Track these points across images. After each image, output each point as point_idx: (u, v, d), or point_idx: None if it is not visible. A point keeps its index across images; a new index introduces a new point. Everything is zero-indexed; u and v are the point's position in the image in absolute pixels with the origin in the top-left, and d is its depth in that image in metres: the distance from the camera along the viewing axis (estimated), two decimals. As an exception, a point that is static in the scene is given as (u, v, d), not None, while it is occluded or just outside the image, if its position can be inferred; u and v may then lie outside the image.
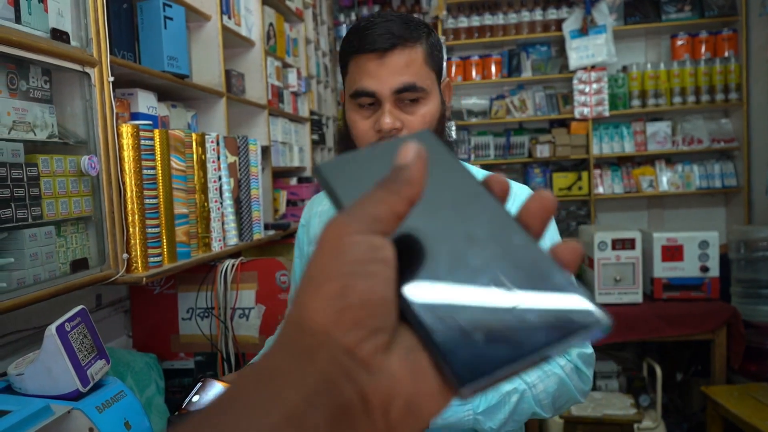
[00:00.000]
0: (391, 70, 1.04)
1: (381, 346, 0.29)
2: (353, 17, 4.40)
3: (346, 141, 1.14)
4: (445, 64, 1.17)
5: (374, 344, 0.29)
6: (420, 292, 0.31)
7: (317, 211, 1.30)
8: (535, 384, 0.99)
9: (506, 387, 0.97)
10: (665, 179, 3.93)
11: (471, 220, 0.35)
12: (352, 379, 0.28)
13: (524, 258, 0.33)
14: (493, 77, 4.15)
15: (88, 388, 0.95)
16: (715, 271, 2.95)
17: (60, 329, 0.94)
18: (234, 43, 2.25)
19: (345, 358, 0.28)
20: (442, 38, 4.04)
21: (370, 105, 1.07)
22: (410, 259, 0.33)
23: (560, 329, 0.30)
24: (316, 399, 0.27)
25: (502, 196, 0.37)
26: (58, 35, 1.18)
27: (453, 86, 4.16)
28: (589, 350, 1.07)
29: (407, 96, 1.05)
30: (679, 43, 3.92)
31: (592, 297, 0.31)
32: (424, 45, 1.07)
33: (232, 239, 1.80)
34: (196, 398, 1.08)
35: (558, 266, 0.33)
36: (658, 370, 2.88)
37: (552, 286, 0.32)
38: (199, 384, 1.11)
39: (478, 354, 0.29)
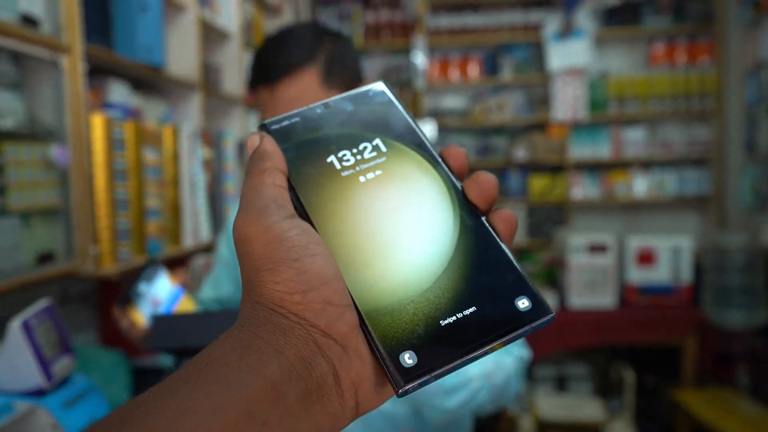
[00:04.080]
0: (284, 101, 1.00)
1: (352, 323, 0.29)
2: (334, 12, 4.37)
3: None
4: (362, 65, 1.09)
5: (346, 322, 0.29)
6: (361, 292, 0.31)
7: None
8: (490, 374, 0.95)
9: (471, 371, 0.93)
10: (641, 185, 3.97)
11: (415, 200, 0.34)
12: (327, 357, 0.28)
13: (469, 243, 0.32)
14: (473, 78, 4.15)
15: (53, 384, 0.92)
16: (687, 278, 2.98)
17: (25, 323, 0.91)
18: (211, 35, 2.22)
19: (320, 337, 0.29)
20: (421, 38, 4.04)
21: None
22: (348, 250, 0.32)
23: (505, 324, 0.29)
24: (293, 373, 0.27)
25: (459, 172, 0.36)
26: (28, 21, 1.14)
27: (433, 85, 4.16)
28: (527, 354, 1.04)
29: None
30: (658, 49, 3.96)
31: (536, 288, 0.31)
32: (320, 64, 1.00)
33: (205, 234, 1.77)
34: (144, 288, 0.98)
35: (504, 251, 0.32)
36: (629, 375, 2.91)
37: (497, 276, 0.31)
38: (147, 270, 1.01)
39: (418, 355, 0.29)
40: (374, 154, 0.35)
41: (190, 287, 1.72)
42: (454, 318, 0.30)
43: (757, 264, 3.20)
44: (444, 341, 0.29)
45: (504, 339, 0.29)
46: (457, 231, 0.33)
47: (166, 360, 1.15)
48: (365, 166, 0.35)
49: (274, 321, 0.29)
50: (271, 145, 0.35)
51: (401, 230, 0.32)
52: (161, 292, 1.00)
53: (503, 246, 0.32)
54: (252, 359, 0.27)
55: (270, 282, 0.29)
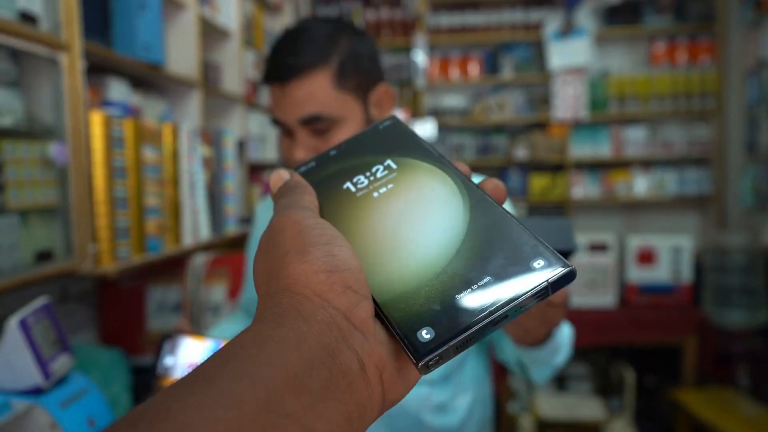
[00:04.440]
0: (293, 101, 0.98)
1: (370, 312, 0.30)
2: (335, 10, 4.36)
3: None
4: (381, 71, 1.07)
5: (365, 310, 0.30)
6: (378, 286, 0.32)
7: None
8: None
9: (564, 332, 0.92)
10: (641, 184, 3.97)
11: (424, 198, 0.37)
12: (350, 343, 0.29)
13: (479, 224, 0.34)
14: (473, 77, 4.14)
15: (51, 383, 0.91)
16: (688, 277, 2.98)
17: (22, 322, 0.90)
18: (211, 33, 2.21)
19: (342, 321, 0.29)
20: (422, 37, 4.03)
21: (289, 131, 1.02)
22: (364, 252, 0.34)
23: (520, 284, 0.30)
24: (315, 362, 0.27)
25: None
26: (27, 18, 1.14)
27: (433, 84, 4.15)
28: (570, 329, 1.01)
29: (315, 126, 0.99)
30: (658, 48, 3.95)
31: (551, 248, 0.32)
32: (334, 65, 0.98)
33: (204, 233, 1.77)
34: (170, 361, 0.98)
35: (514, 221, 0.34)
36: (629, 374, 2.90)
37: (510, 245, 0.32)
38: (165, 344, 0.99)
39: (435, 329, 0.30)
40: (386, 172, 0.39)
41: (190, 287, 1.71)
42: (469, 290, 0.31)
43: (758, 264, 3.19)
44: (460, 312, 0.30)
45: (520, 298, 0.30)
46: (467, 216, 0.35)
47: None
48: (378, 183, 0.39)
49: (296, 305, 0.29)
50: (300, 177, 0.40)
51: (412, 226, 0.35)
52: (193, 355, 0.99)
53: (512, 218, 0.34)
54: (272, 350, 0.27)
55: (297, 261, 0.31)
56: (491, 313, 0.29)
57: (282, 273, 0.31)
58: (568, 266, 0.31)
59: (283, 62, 0.99)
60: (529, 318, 0.76)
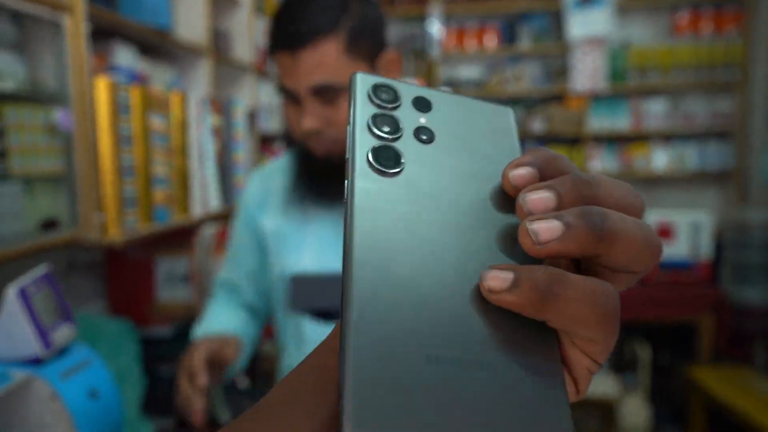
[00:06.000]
0: (304, 69, 0.96)
1: None
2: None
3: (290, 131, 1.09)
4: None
5: None
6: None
7: (272, 187, 1.19)
8: None
9: None
10: (660, 158, 3.89)
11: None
12: None
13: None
14: (490, 48, 4.05)
15: (51, 353, 0.89)
16: (707, 254, 2.92)
17: (22, 290, 0.88)
18: (222, 0, 2.16)
19: None
20: (437, 6, 3.94)
21: (296, 99, 1.00)
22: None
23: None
24: (326, 429, 0.26)
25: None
26: (27, -23, 1.10)
27: (448, 55, 4.07)
28: None
29: (326, 95, 0.97)
30: (682, 17, 3.84)
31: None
32: (345, 32, 0.96)
33: (214, 204, 1.74)
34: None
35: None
36: (645, 351, 2.87)
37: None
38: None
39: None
40: None
41: (198, 258, 1.69)
42: None
43: (779, 241, 3.13)
44: None
45: None
46: None
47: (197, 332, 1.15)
48: None
49: (318, 377, 0.28)
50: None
51: None
52: None
53: None
54: (295, 411, 0.26)
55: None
56: None
57: (327, 345, 0.29)
58: None
59: (294, 29, 0.96)
60: None
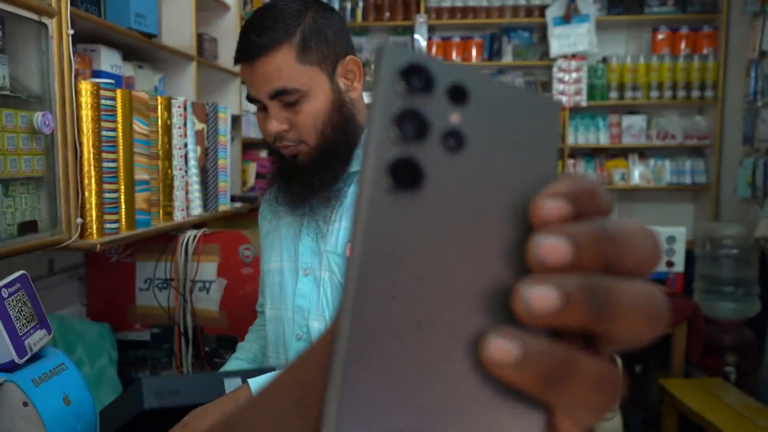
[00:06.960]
0: (261, 78, 1.05)
1: None
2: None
3: None
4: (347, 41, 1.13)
5: None
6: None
7: (272, 193, 1.23)
8: None
9: None
10: (637, 173, 3.95)
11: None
12: None
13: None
14: (474, 60, 4.10)
15: (26, 359, 0.89)
16: (680, 267, 2.97)
17: (-3, 295, 0.88)
18: (208, 5, 2.17)
19: None
20: (422, 18, 3.97)
21: (263, 106, 1.08)
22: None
23: None
24: None
25: None
26: (14, -20, 1.10)
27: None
28: None
29: (283, 99, 1.05)
30: (660, 37, 3.92)
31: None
32: (294, 41, 1.04)
33: (196, 209, 1.74)
34: None
35: None
36: (618, 361, 2.90)
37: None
38: None
39: None
40: None
41: (179, 264, 1.69)
42: None
43: (750, 256, 3.19)
44: None
45: None
46: None
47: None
48: None
49: (298, 394, 0.30)
50: None
51: None
52: None
53: None
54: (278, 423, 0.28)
55: None
56: None
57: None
58: None
59: (249, 42, 1.05)
60: None
